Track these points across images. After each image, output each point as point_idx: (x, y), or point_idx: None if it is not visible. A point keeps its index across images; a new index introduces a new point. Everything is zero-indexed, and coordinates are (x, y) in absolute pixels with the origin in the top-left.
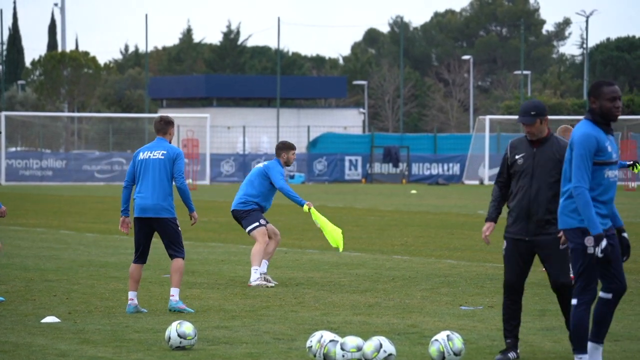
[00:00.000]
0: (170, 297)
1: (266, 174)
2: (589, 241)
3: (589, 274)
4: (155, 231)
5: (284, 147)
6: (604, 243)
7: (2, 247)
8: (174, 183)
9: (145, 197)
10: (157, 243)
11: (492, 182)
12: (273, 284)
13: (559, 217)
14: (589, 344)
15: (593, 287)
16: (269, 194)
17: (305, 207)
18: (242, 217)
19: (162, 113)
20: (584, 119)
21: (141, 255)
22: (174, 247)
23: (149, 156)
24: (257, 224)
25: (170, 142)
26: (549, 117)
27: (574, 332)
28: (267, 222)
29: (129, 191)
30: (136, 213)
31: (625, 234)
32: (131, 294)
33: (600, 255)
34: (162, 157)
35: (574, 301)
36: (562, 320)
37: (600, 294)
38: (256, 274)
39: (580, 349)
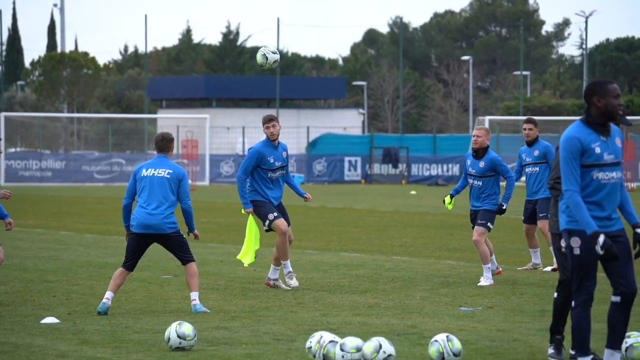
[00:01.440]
0: (192, 302)
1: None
2: (574, 242)
3: (581, 274)
4: (159, 245)
5: (262, 122)
6: (601, 239)
7: (2, 256)
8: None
9: (150, 214)
10: (155, 245)
11: None
12: (284, 287)
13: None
14: (606, 351)
15: (587, 285)
16: (262, 180)
17: (243, 211)
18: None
19: (162, 114)
20: (578, 120)
21: (133, 265)
22: (184, 255)
23: (154, 173)
24: (268, 221)
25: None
26: (550, 117)
27: (573, 334)
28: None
29: (130, 207)
30: (138, 229)
31: (639, 230)
32: (109, 294)
33: (601, 252)
34: (169, 175)
35: (572, 303)
36: None
37: (612, 297)
38: (277, 273)
39: (580, 351)
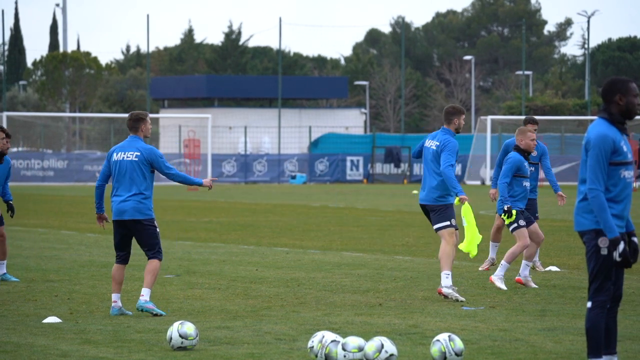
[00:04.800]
0: (140, 297)
1: (439, 155)
2: (602, 242)
3: (603, 275)
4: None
5: (455, 112)
6: (621, 246)
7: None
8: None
9: (122, 199)
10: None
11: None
12: (462, 299)
13: (574, 219)
14: (604, 357)
15: (608, 288)
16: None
17: (457, 200)
18: (436, 211)
19: (164, 113)
20: (598, 117)
21: (124, 257)
22: (149, 249)
23: (123, 157)
24: (448, 222)
25: (144, 138)
26: (551, 117)
27: (588, 335)
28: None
29: (102, 190)
30: (114, 216)
31: (634, 238)
32: (114, 296)
33: (618, 259)
34: (136, 158)
35: (588, 304)
36: (564, 321)
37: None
38: (448, 280)
39: (595, 353)
